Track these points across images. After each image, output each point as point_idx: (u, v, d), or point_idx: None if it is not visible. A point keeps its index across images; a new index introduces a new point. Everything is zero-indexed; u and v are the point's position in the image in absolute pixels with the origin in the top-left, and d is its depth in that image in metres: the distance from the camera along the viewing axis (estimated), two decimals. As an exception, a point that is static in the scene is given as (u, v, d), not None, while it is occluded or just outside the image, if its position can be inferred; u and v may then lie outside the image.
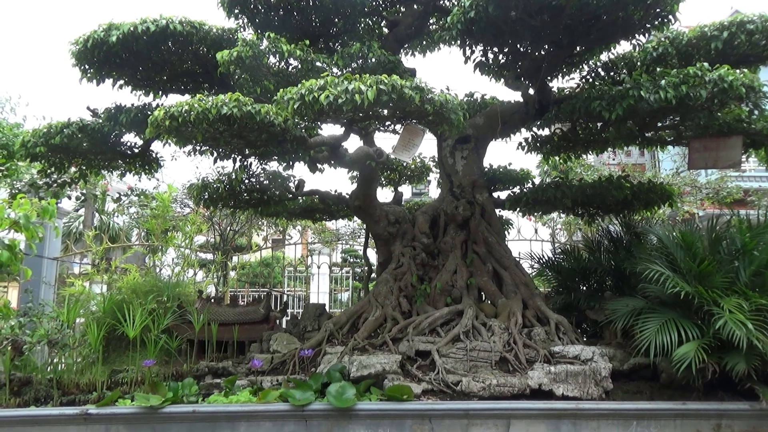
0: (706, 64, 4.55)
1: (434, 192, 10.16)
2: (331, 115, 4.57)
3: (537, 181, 8.36)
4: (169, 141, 5.31)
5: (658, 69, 5.31)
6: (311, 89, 4.16)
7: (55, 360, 5.06)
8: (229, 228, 9.94)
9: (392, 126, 5.37)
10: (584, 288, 6.32)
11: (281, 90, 4.34)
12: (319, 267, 11.75)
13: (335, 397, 4.27)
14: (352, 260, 16.88)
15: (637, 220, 7.07)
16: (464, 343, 5.10)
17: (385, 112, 4.68)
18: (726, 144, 5.34)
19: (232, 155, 5.79)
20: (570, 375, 4.53)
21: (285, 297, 15.41)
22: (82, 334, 5.14)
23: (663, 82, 4.54)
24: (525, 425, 4.25)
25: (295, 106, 4.20)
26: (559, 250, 7.95)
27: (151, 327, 5.23)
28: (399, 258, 6.11)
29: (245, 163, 6.08)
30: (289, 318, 7.42)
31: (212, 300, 7.32)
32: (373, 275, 7.03)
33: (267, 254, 15.93)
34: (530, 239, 11.13)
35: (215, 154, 5.70)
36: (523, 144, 7.26)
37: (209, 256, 11.98)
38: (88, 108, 6.61)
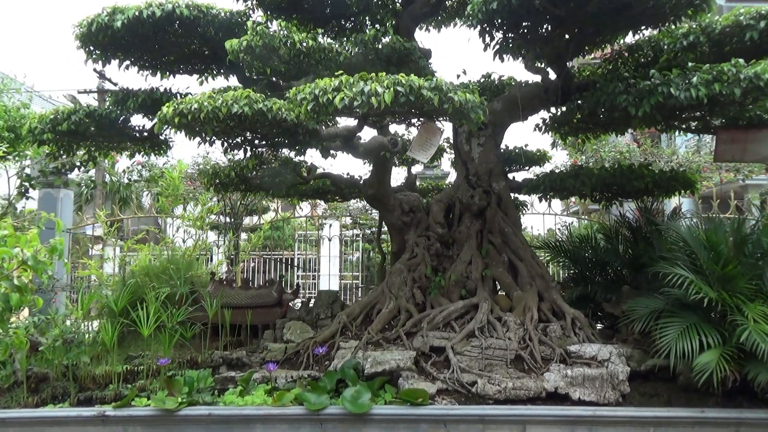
0: (741, 61, 4.29)
1: (446, 165, 9.99)
2: (345, 113, 4.40)
3: (551, 155, 8.17)
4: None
5: (689, 57, 5.07)
6: (325, 90, 3.98)
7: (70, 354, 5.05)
8: (239, 202, 9.85)
9: (408, 119, 5.19)
10: (601, 279, 6.22)
11: (293, 89, 4.16)
12: (330, 239, 11.71)
13: (350, 401, 4.25)
14: (361, 222, 16.78)
15: (657, 203, 6.91)
16: (479, 340, 5.05)
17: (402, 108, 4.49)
18: (755, 137, 5.12)
19: (243, 146, 5.65)
20: (587, 379, 4.48)
21: (296, 260, 15.45)
22: (95, 331, 5.14)
23: (695, 79, 4.30)
24: (541, 430, 4.23)
25: (309, 107, 4.03)
26: (571, 222, 7.79)
27: (165, 321, 5.21)
28: (413, 248, 6.02)
29: (256, 152, 5.94)
30: (302, 301, 7.43)
31: (224, 282, 7.31)
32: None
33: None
34: (543, 213, 11.03)
35: (225, 145, 5.56)
36: (541, 125, 7.03)
37: (220, 218, 11.84)
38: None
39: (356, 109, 3.95)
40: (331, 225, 12.03)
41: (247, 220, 14.04)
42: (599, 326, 6.33)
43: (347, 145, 5.60)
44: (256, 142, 5.55)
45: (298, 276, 15.18)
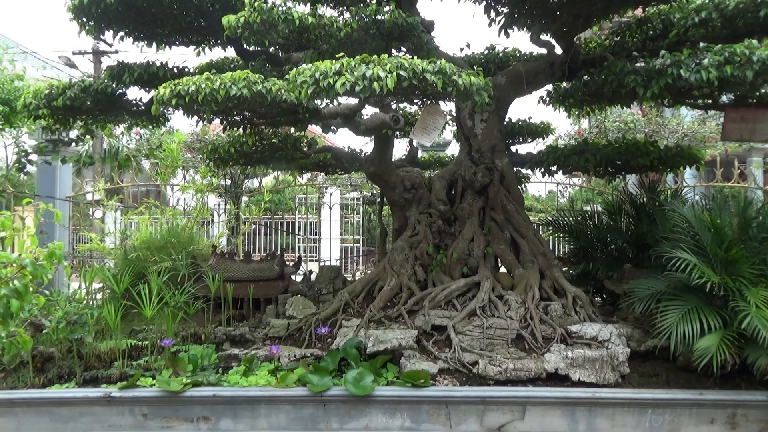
0: (754, 42, 4.17)
1: (448, 134, 9.88)
2: (346, 95, 4.30)
3: (555, 127, 8.10)
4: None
5: (700, 33, 4.93)
6: (326, 74, 3.87)
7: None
8: (239, 173, 9.79)
9: (411, 99, 5.09)
10: (603, 256, 6.21)
11: (293, 71, 4.05)
12: (331, 208, 11.68)
13: (353, 384, 4.29)
14: (363, 191, 16.73)
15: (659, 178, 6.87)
16: (481, 320, 5.07)
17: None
18: (765, 116, 5.02)
19: (243, 124, 5.56)
20: (587, 360, 4.52)
21: (297, 224, 15.44)
22: (98, 308, 5.16)
23: (706, 61, 4.18)
24: (541, 411, 4.29)
25: (309, 91, 3.93)
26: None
27: (168, 301, 5.23)
28: (415, 225, 5.99)
29: (256, 128, 5.85)
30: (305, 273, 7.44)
31: (226, 255, 7.32)
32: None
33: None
34: (545, 181, 10.97)
35: (225, 123, 5.47)
36: (545, 98, 6.91)
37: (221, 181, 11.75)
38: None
39: (358, 93, 3.86)
40: (332, 194, 11.97)
41: (248, 182, 13.98)
42: (599, 299, 6.37)
43: (348, 122, 5.50)
44: (256, 120, 5.46)
45: (298, 239, 15.17)
